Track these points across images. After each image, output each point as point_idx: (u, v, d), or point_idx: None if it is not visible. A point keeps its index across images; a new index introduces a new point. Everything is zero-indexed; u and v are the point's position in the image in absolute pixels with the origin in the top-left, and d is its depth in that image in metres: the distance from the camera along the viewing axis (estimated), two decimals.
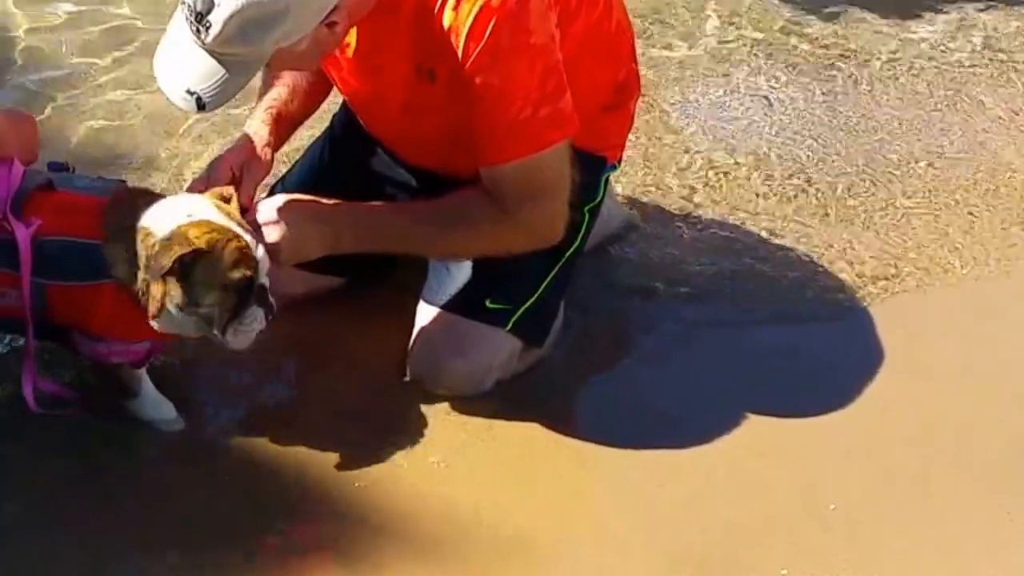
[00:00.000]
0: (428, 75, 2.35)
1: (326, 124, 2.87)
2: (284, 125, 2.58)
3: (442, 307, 2.62)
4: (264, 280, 2.29)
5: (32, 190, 2.31)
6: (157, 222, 2.25)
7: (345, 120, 2.79)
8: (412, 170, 2.67)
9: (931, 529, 2.41)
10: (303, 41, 2.19)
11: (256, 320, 2.30)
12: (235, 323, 2.28)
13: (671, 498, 2.46)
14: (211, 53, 2.16)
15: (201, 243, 2.21)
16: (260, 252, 2.28)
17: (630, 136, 2.86)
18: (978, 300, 2.98)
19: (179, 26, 2.18)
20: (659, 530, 2.40)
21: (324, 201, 2.46)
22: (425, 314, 2.64)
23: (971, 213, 3.23)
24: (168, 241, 2.21)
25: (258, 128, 2.54)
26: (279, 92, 2.60)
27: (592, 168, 2.67)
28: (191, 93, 2.18)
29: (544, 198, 2.42)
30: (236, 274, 2.24)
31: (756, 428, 2.61)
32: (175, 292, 2.23)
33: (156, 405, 2.49)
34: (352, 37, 2.39)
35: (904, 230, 3.17)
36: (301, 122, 2.68)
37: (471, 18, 2.24)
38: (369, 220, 2.48)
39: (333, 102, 2.76)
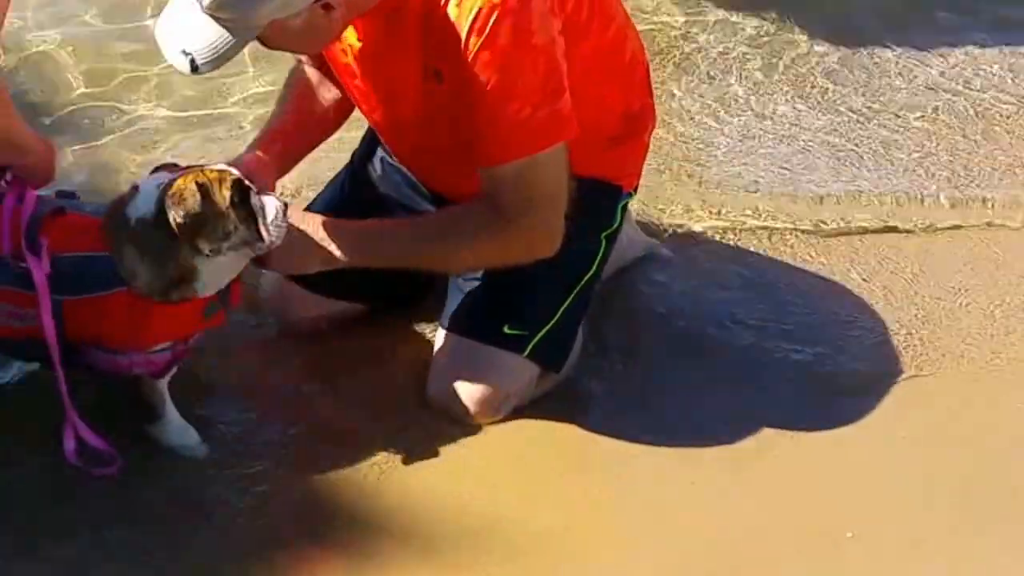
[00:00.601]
0: (435, 75, 2.38)
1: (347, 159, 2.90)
2: (282, 151, 2.59)
3: (460, 333, 2.64)
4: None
5: (45, 215, 2.36)
6: (145, 206, 2.31)
7: (364, 153, 2.83)
8: (434, 199, 2.70)
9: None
10: (298, 17, 2.24)
11: (274, 207, 2.33)
12: (263, 221, 2.31)
13: (684, 511, 2.48)
14: (208, 16, 2.21)
15: (187, 192, 2.27)
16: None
17: (652, 163, 2.86)
18: (997, 325, 2.97)
19: None
20: (670, 541, 2.42)
21: (323, 218, 2.49)
22: (443, 341, 2.67)
23: None
24: (162, 211, 2.28)
25: (257, 154, 2.56)
26: (280, 122, 2.66)
27: (607, 195, 2.70)
28: (186, 54, 2.23)
29: (542, 203, 2.43)
30: (226, 190, 2.29)
31: (775, 448, 2.62)
32: (199, 244, 2.30)
33: (181, 431, 2.52)
34: (353, 38, 2.42)
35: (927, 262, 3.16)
36: (302, 154, 2.70)
37: (473, 13, 2.27)
38: (366, 237, 2.50)
39: (352, 137, 2.81)
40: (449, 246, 2.49)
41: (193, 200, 2.27)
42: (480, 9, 2.28)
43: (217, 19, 2.21)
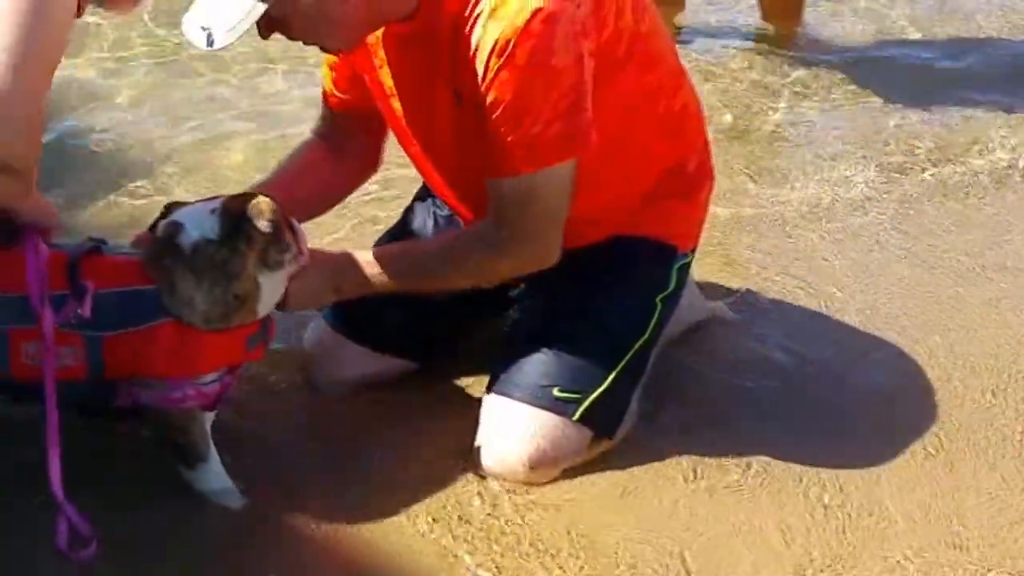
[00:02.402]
0: (459, 97, 2.42)
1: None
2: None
3: (510, 396, 2.60)
4: None
5: (82, 256, 2.39)
6: (198, 231, 2.38)
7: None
8: None
9: None
10: None
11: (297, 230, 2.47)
12: (301, 238, 2.46)
13: None
14: None
15: (263, 204, 2.37)
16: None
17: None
18: None
19: None
20: None
21: (329, 251, 2.56)
22: (493, 402, 2.63)
23: None
24: (229, 238, 2.36)
25: None
26: (274, 180, 2.73)
27: (660, 256, 2.66)
28: (204, 29, 2.29)
29: (541, 217, 2.46)
30: (270, 204, 2.38)
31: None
32: (269, 254, 2.39)
33: (220, 476, 2.50)
34: (388, 64, 2.49)
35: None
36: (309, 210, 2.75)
37: (496, 35, 2.31)
38: (369, 266, 2.54)
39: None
40: (452, 270, 2.55)
41: (271, 212, 2.36)
42: (503, 31, 2.31)
43: None
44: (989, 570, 2.40)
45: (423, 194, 2.88)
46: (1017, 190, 3.65)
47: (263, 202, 2.37)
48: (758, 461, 2.63)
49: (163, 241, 2.40)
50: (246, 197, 2.42)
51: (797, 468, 2.62)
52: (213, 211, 2.39)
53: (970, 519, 2.50)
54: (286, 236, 2.41)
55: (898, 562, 2.41)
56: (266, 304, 2.44)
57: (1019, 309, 3.13)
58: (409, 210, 2.92)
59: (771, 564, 2.41)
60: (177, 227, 2.39)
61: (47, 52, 2.32)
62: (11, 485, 2.46)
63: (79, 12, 2.39)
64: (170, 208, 2.46)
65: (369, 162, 2.82)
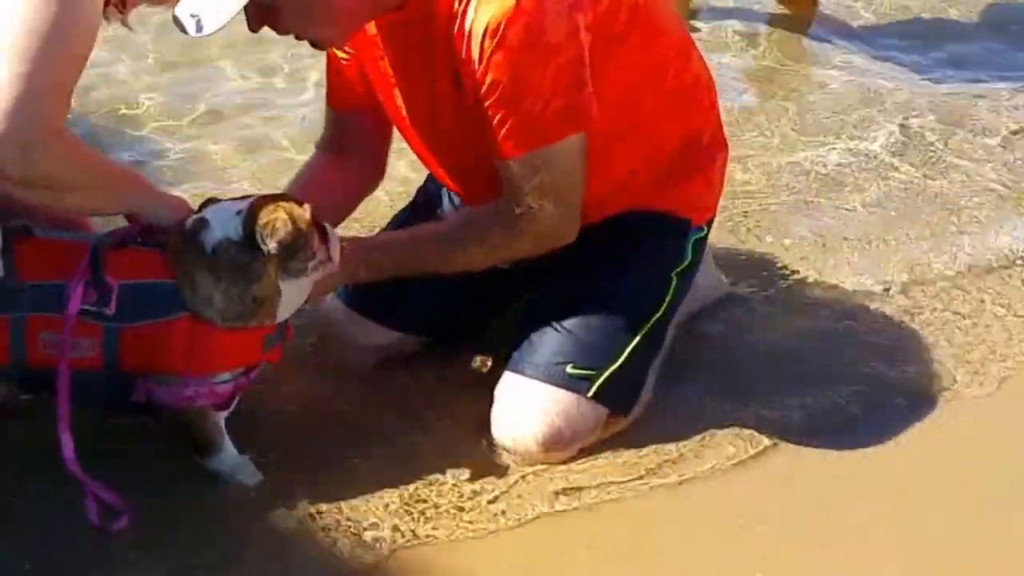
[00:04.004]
0: (457, 82, 2.42)
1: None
2: None
3: (524, 373, 2.59)
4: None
5: (107, 248, 2.38)
6: (223, 231, 2.35)
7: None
8: None
9: None
10: None
11: (332, 231, 2.43)
12: (332, 243, 2.41)
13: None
14: None
15: (278, 219, 2.32)
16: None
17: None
18: None
19: None
20: None
21: (343, 239, 2.52)
22: (508, 380, 2.62)
23: None
24: (250, 241, 2.33)
25: None
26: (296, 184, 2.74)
27: (675, 230, 2.65)
28: (193, 16, 2.29)
29: (553, 194, 2.46)
30: (307, 213, 2.36)
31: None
32: (291, 263, 2.35)
33: (236, 460, 2.50)
34: (388, 54, 2.49)
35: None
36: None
37: (487, 18, 2.32)
38: (382, 251, 2.58)
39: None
40: (467, 250, 2.55)
41: (285, 230, 2.32)
42: (494, 13, 2.31)
43: None
44: None
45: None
46: None
47: (279, 219, 2.33)
48: (776, 437, 2.64)
49: (188, 236, 2.38)
50: (274, 202, 2.38)
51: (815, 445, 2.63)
52: (239, 212, 2.36)
53: None
54: (313, 244, 2.37)
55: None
56: (287, 308, 2.43)
57: None
58: (423, 189, 2.91)
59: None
60: (203, 224, 2.38)
61: (65, 58, 2.26)
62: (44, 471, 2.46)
63: (123, 15, 2.38)
64: (207, 204, 2.45)
65: (375, 169, 2.81)
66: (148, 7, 2.48)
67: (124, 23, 2.42)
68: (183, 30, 2.31)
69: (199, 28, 2.29)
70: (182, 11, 2.31)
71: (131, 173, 2.56)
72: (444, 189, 2.81)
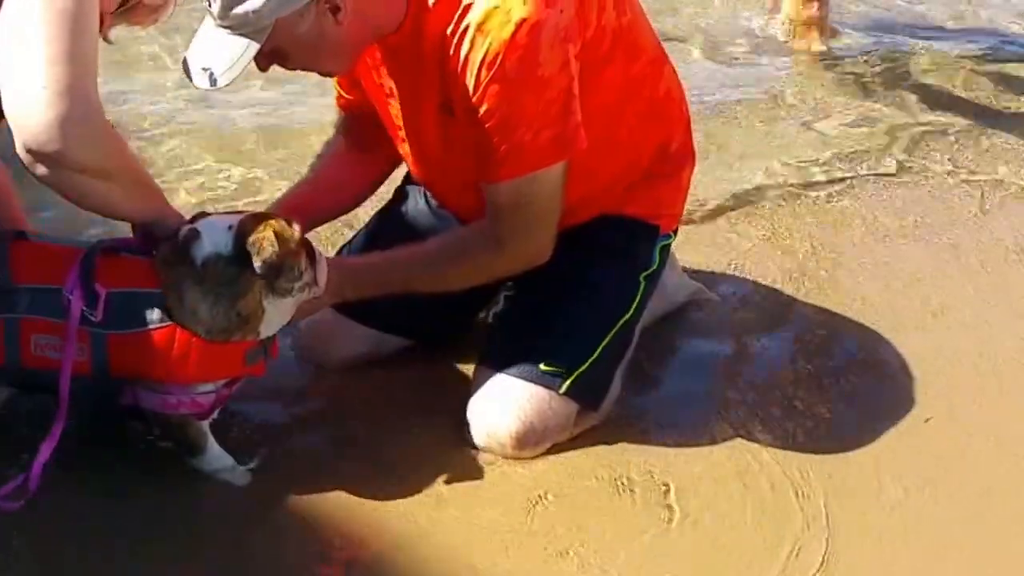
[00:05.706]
0: (448, 109, 2.50)
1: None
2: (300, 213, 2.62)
3: (497, 369, 2.68)
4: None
5: (97, 255, 2.42)
6: (213, 246, 2.38)
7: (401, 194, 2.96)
8: None
9: None
10: (303, 19, 2.37)
11: (320, 254, 2.48)
12: (320, 266, 2.47)
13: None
14: (222, 27, 2.35)
15: (265, 238, 2.35)
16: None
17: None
18: None
19: (206, 20, 2.39)
20: None
21: (329, 260, 2.58)
22: (482, 377, 2.70)
23: None
24: (239, 258, 2.36)
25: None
26: (295, 196, 2.84)
27: (644, 235, 2.75)
28: (205, 70, 2.37)
29: (534, 219, 2.55)
30: (296, 233, 2.41)
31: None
32: (278, 283, 2.39)
33: (220, 457, 2.55)
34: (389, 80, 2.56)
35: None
36: (325, 216, 2.89)
37: (484, 49, 2.39)
38: (367, 273, 2.65)
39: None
40: (451, 272, 2.63)
41: (271, 251, 2.35)
42: (491, 44, 2.38)
43: (229, 28, 2.35)
44: None
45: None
46: None
47: (267, 238, 2.35)
48: (741, 441, 2.71)
49: (179, 248, 2.41)
50: (265, 220, 2.40)
51: (780, 446, 2.69)
52: (230, 227, 2.40)
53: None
54: (300, 265, 2.41)
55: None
56: (270, 326, 2.46)
57: None
58: (400, 190, 2.98)
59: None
60: (195, 236, 2.41)
61: (94, 37, 2.29)
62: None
63: (103, 32, 2.38)
64: (198, 217, 2.49)
65: (392, 152, 2.84)
66: (126, 28, 2.52)
67: (105, 38, 2.43)
68: (194, 83, 2.39)
69: (212, 82, 2.37)
70: (193, 64, 2.39)
71: (152, 179, 2.58)
72: (422, 189, 2.89)
